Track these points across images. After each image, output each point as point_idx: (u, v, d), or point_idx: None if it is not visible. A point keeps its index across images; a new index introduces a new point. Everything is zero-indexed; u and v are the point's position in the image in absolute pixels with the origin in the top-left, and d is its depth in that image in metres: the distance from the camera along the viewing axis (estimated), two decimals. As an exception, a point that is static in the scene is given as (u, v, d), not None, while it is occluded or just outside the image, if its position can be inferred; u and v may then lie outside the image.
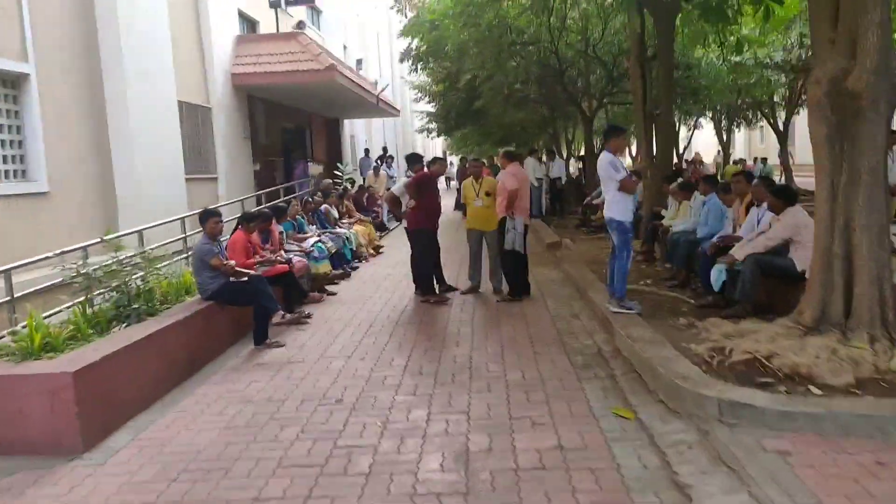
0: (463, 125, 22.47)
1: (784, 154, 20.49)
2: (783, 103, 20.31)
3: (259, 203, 13.22)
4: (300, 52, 14.07)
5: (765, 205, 6.65)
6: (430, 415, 4.73)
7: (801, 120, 25.33)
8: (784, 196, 6.08)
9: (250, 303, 6.67)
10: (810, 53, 14.48)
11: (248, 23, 16.15)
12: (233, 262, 6.67)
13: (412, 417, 4.71)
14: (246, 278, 6.72)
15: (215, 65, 13.40)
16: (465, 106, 19.83)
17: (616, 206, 6.68)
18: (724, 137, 25.47)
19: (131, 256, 6.59)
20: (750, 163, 23.94)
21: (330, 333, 7.15)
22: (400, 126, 34.88)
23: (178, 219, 9.07)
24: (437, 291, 8.61)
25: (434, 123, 25.06)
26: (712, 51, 13.86)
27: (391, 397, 5.13)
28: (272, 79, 13.94)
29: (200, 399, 5.39)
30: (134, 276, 6.29)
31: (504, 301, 8.29)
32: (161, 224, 8.66)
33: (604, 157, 6.75)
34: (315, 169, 16.79)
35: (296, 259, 8.37)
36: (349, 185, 15.24)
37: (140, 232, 7.95)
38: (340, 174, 16.04)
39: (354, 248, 11.92)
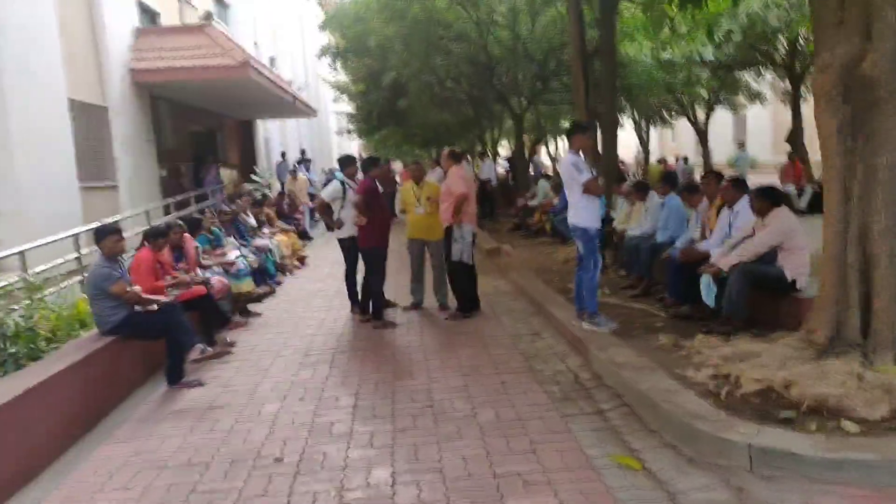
0: (385, 126, 21.50)
1: (706, 153, 20.60)
2: (703, 101, 20.33)
3: (167, 213, 11.92)
4: (210, 46, 12.80)
5: (738, 207, 6.13)
6: (394, 475, 3.85)
7: (718, 117, 25.64)
8: (770, 198, 5.53)
9: (162, 336, 5.58)
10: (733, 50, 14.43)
11: (148, 14, 14.69)
12: (138, 288, 5.55)
13: (374, 480, 3.81)
14: (155, 306, 5.62)
15: (112, 59, 11.96)
16: (388, 106, 18.89)
17: (581, 212, 5.99)
18: (644, 136, 25.57)
19: (9, 285, 5.39)
20: (671, 161, 24.05)
21: (259, 367, 6.12)
22: (316, 127, 33.49)
23: (70, 235, 7.71)
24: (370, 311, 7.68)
25: (354, 124, 23.97)
26: (644, 45, 13.50)
27: (343, 452, 4.21)
28: (178, 75, 12.59)
29: (100, 465, 4.30)
30: (12, 311, 5.10)
31: (453, 318, 7.47)
32: (48, 242, 7.30)
33: (566, 158, 6.06)
34: (227, 175, 15.46)
35: (214, 278, 7.27)
36: (268, 191, 14.00)
37: (22, 252, 6.64)
38: (257, 179, 14.77)
39: (278, 261, 10.83)
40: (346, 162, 7.75)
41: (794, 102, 16.15)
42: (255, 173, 15.50)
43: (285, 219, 14.08)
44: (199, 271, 7.12)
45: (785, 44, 15.47)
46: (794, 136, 16.10)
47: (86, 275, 6.28)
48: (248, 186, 13.00)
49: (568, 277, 8.78)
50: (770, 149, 31.92)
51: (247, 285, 8.18)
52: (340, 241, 7.83)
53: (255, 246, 9.94)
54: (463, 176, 7.42)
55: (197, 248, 7.53)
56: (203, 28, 13.72)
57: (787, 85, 17.24)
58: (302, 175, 17.75)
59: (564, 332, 6.29)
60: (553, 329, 6.64)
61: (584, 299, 6.01)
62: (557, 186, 12.42)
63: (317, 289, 9.87)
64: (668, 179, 7.60)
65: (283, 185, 18.57)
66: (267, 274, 10.06)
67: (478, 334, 6.77)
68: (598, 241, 6.07)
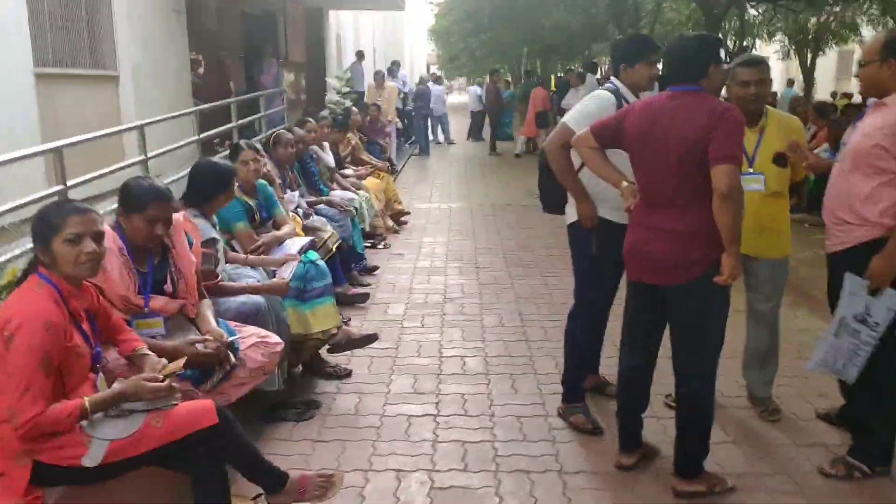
0: (494, 27, 16.38)
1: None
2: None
3: (200, 131, 7.21)
4: None
5: None
6: None
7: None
8: None
9: None
10: None
11: None
12: None
13: None
14: None
15: None
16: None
17: None
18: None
19: None
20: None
21: None
22: (392, 28, 28.22)
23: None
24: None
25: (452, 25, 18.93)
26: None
27: None
28: None
29: None
30: None
31: (848, 475, 2.89)
32: None
33: None
34: (287, 78, 10.81)
35: (247, 334, 2.75)
36: (353, 107, 9.10)
37: None
38: (339, 86, 10.02)
39: (366, 227, 6.35)
40: (641, 45, 3.02)
41: None
42: (337, 77, 10.62)
43: (369, 145, 9.47)
44: (211, 321, 2.62)
45: None
46: None
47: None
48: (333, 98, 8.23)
49: None
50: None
51: (325, 316, 3.63)
52: (575, 232, 3.21)
53: (338, 206, 5.40)
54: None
55: (214, 242, 3.01)
56: None
57: None
58: (391, 82, 12.97)
59: None
60: None
61: None
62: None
63: (446, 288, 5.35)
64: None
65: (360, 95, 13.83)
66: (353, 254, 5.57)
67: None
68: None
